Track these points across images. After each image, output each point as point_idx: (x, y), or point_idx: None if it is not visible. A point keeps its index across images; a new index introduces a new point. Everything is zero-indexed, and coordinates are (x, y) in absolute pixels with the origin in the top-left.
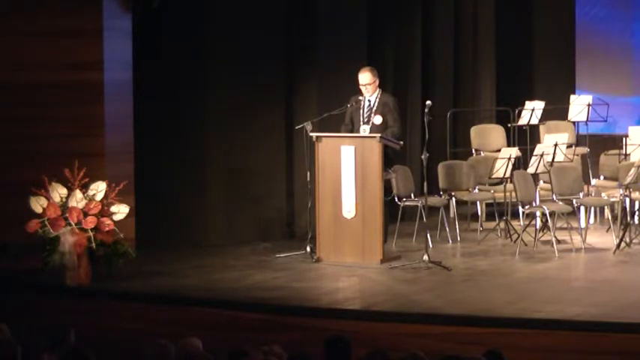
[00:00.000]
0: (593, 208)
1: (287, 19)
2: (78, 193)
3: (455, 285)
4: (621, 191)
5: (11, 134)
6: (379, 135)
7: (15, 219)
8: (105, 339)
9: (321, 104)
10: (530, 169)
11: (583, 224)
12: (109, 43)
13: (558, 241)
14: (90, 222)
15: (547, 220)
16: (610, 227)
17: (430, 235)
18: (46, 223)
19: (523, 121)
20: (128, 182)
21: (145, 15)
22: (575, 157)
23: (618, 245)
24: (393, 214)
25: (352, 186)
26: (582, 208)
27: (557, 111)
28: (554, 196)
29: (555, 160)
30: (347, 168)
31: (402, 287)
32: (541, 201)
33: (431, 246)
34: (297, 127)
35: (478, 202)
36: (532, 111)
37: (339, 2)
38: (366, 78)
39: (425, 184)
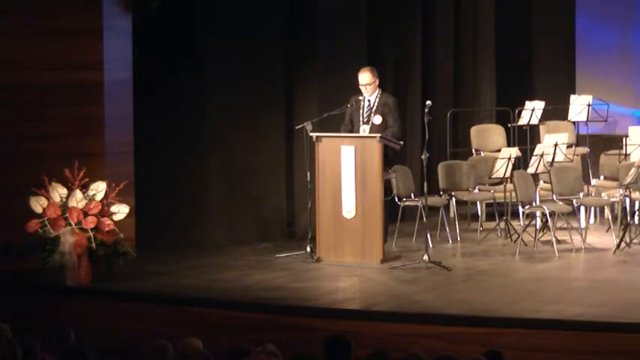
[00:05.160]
0: (593, 208)
1: (287, 19)
2: (78, 193)
3: (455, 285)
4: (621, 191)
5: (11, 134)
6: (379, 135)
7: (15, 219)
8: (105, 339)
9: (321, 104)
10: (530, 169)
11: (583, 224)
12: (109, 43)
13: (558, 241)
14: (90, 222)
15: (547, 220)
16: (610, 227)
17: (430, 235)
18: (46, 223)
19: (523, 121)
20: (128, 182)
21: (145, 15)
22: (575, 157)
23: (618, 245)
24: (393, 214)
25: (352, 186)
26: (582, 208)
27: (557, 111)
28: (554, 196)
29: (555, 160)
30: (347, 168)
31: (402, 287)
32: (541, 201)
33: (431, 246)
34: (297, 127)
35: (478, 202)
36: (532, 111)
37: (339, 2)
38: (365, 78)
39: (425, 184)
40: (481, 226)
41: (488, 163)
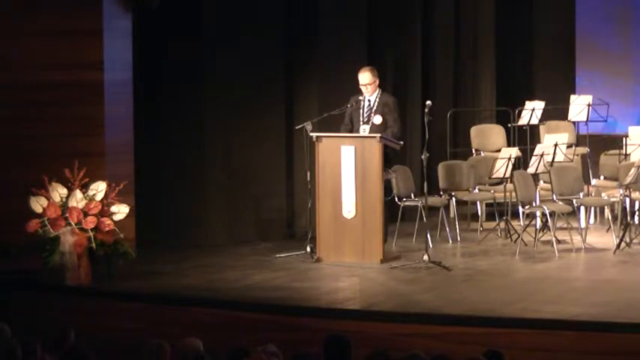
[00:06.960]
0: (593, 208)
1: (287, 19)
2: (78, 193)
3: (455, 285)
4: (621, 191)
5: (11, 134)
6: (379, 135)
7: (15, 219)
8: (105, 339)
9: (321, 104)
10: (530, 169)
11: (583, 224)
12: (109, 43)
13: (558, 241)
14: (90, 222)
15: (547, 220)
16: (610, 227)
17: (430, 235)
18: (46, 223)
19: (523, 121)
20: (128, 182)
21: (145, 15)
22: (575, 157)
23: (618, 245)
24: (393, 214)
25: (352, 186)
26: (582, 208)
27: (557, 111)
28: (554, 196)
29: (555, 160)
30: (347, 168)
31: (402, 287)
32: (541, 201)
33: (431, 246)
34: (297, 127)
35: (478, 202)
36: (532, 111)
37: (339, 2)
38: (365, 78)
39: (425, 184)
40: (481, 226)
41: (488, 163)
